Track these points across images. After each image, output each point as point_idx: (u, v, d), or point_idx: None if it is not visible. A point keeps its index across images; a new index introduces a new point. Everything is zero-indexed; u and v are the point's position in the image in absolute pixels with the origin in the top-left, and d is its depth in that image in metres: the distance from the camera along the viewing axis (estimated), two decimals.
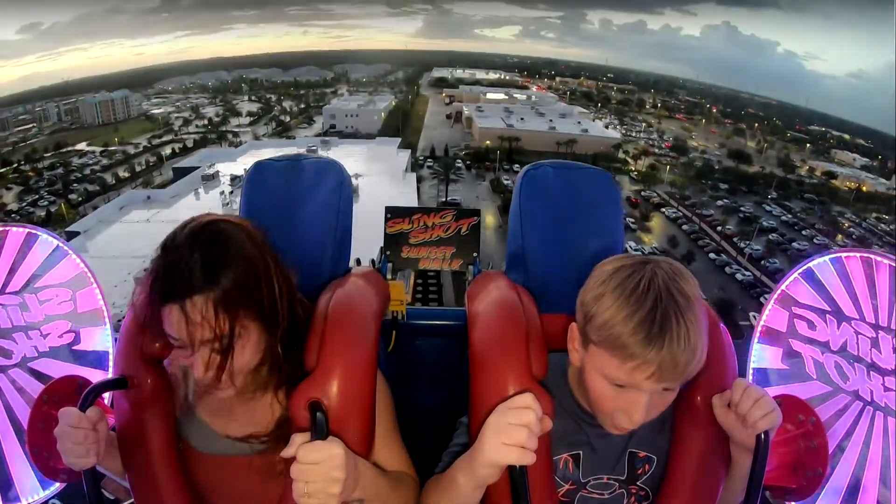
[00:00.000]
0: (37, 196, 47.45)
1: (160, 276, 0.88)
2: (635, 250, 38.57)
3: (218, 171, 33.82)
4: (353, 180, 29.95)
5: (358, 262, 1.43)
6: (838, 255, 1.28)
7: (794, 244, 42.58)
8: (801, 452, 1.11)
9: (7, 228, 1.34)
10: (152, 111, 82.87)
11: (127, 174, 53.09)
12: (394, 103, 75.47)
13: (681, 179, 54.43)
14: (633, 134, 74.94)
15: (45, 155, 59.73)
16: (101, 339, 1.37)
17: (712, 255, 40.12)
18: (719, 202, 50.41)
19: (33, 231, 1.35)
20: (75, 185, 49.84)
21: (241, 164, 36.06)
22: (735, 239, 42.63)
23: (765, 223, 45.74)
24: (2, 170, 53.36)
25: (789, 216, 49.28)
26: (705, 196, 52.28)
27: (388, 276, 1.52)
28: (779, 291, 1.36)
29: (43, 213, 42.15)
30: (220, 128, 71.83)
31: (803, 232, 46.25)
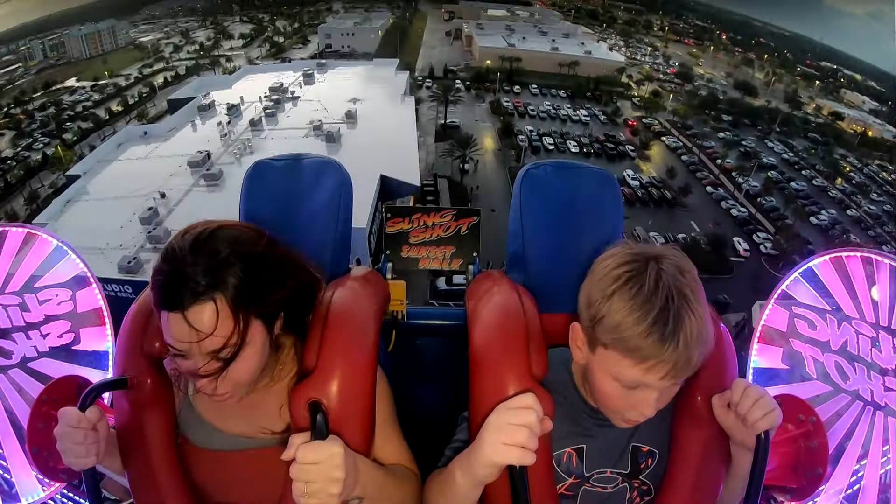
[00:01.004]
0: (30, 140, 45.25)
1: (161, 285, 0.86)
2: (633, 179, 38.17)
3: (214, 101, 32.55)
4: (351, 105, 29.75)
5: (358, 262, 1.43)
6: (838, 254, 1.28)
7: (793, 184, 41.91)
8: (801, 452, 1.11)
9: (7, 228, 1.34)
10: (141, 39, 78.61)
11: (120, 108, 51.07)
12: (391, 21, 72.82)
13: (683, 108, 52.94)
14: (639, 57, 72.40)
15: (35, 95, 57.19)
16: (100, 339, 1.36)
17: (709, 189, 39.65)
18: (721, 134, 49.27)
19: (33, 231, 1.35)
20: (68, 123, 47.78)
21: (237, 91, 34.41)
22: (734, 174, 42.05)
23: (765, 159, 44.92)
24: None
25: (790, 154, 48.21)
26: (707, 127, 50.90)
27: (388, 276, 1.52)
28: (779, 291, 1.36)
29: (39, 157, 40.54)
30: (213, 52, 68.77)
31: (803, 172, 45.25)
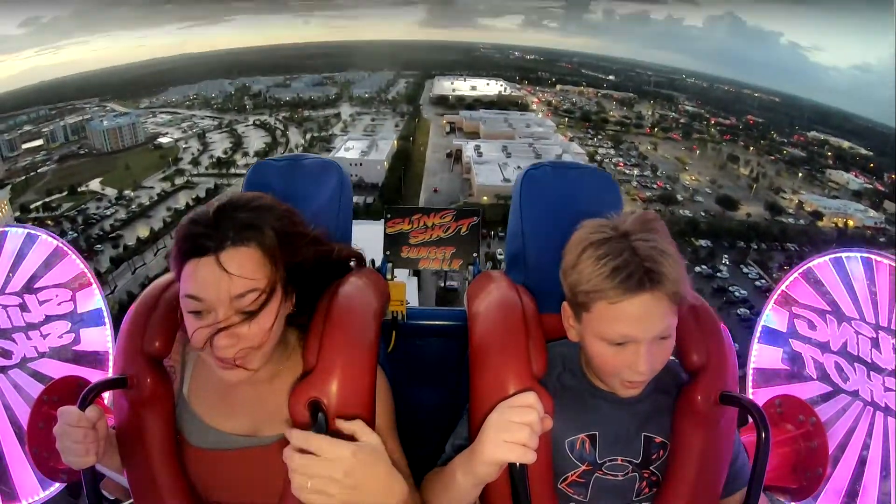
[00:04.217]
0: None
1: (198, 233, 0.88)
2: None
3: None
4: None
5: None
6: (838, 255, 1.28)
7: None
8: (801, 452, 1.11)
9: (7, 229, 1.34)
10: (160, 138, 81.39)
11: (147, 234, 51.96)
12: (396, 145, 75.85)
13: None
14: (626, 171, 73.65)
15: (62, 196, 59.70)
16: (100, 339, 1.36)
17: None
18: (697, 268, 48.74)
19: (33, 231, 1.35)
20: (98, 245, 49.08)
21: None
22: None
23: (737, 293, 44.52)
24: (19, 215, 52.68)
25: (764, 280, 47.61)
26: (685, 259, 51.02)
27: (389, 277, 1.52)
28: (779, 291, 1.36)
29: None
30: (230, 169, 70.96)
31: None
